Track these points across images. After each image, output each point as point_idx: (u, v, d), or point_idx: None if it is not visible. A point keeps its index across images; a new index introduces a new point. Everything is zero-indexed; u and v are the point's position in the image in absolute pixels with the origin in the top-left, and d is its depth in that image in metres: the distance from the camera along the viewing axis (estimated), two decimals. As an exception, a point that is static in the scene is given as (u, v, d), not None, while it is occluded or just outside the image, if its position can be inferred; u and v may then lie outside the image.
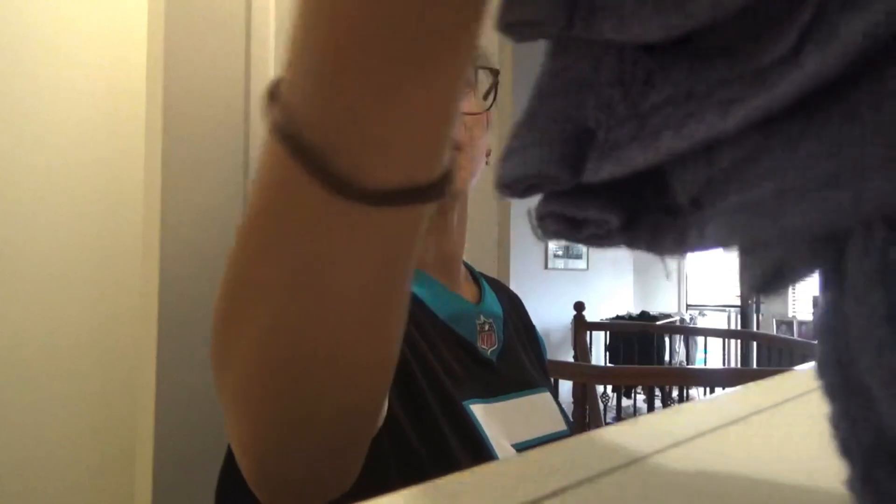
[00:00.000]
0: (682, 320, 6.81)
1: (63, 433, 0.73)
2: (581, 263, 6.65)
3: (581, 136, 0.15)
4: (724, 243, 0.15)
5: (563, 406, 0.70)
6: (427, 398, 0.52)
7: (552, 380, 0.92)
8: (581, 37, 0.16)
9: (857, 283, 0.13)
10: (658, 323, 5.85)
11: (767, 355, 4.26)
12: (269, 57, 0.82)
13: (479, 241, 0.71)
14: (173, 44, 0.73)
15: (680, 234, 0.16)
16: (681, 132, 0.13)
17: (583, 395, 2.51)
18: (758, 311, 7.06)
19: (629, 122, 0.14)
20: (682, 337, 5.85)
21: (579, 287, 6.35)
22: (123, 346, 0.77)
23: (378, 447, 0.47)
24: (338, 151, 0.24)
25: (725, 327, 7.09)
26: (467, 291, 0.69)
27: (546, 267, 6.28)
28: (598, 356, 5.74)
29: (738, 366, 4.94)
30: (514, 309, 0.75)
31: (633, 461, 0.28)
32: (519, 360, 0.67)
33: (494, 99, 0.66)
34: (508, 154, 0.18)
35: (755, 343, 4.84)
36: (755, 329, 6.71)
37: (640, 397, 5.13)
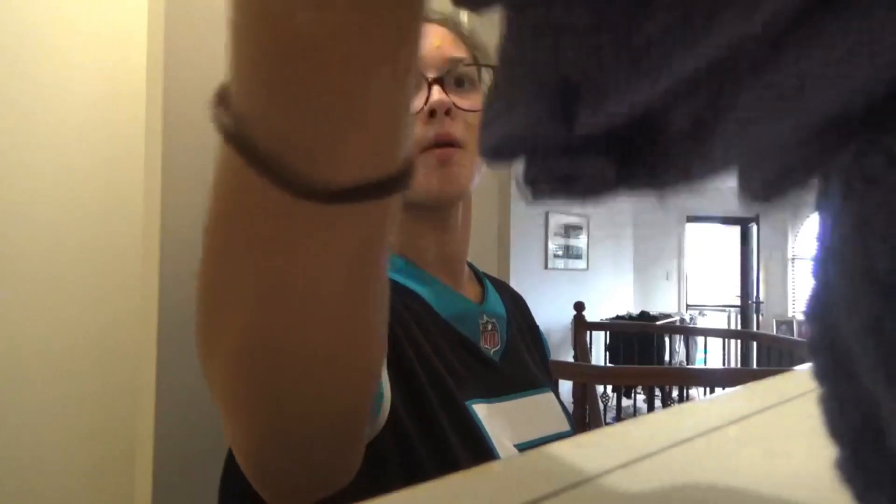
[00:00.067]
0: (682, 320, 6.81)
1: (63, 434, 0.73)
2: (581, 263, 6.66)
3: (566, 88, 0.15)
4: (731, 157, 0.15)
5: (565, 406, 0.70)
6: (429, 398, 0.52)
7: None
8: None
9: (839, 197, 0.13)
10: (658, 323, 5.85)
11: (767, 355, 4.26)
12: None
13: (480, 241, 0.71)
14: (173, 45, 0.73)
15: (682, 163, 0.15)
16: (690, 53, 0.13)
17: (583, 395, 2.51)
18: (758, 311, 7.06)
19: (621, 63, 0.14)
20: (682, 337, 5.85)
21: (579, 287, 6.35)
22: (124, 346, 0.77)
23: (380, 447, 0.47)
24: (290, 153, 0.24)
25: (725, 327, 7.10)
26: (470, 291, 0.68)
27: (546, 267, 6.28)
28: (598, 356, 5.74)
29: (738, 366, 4.95)
30: (518, 309, 0.75)
31: (634, 461, 0.28)
32: (522, 361, 0.67)
33: None
34: (491, 120, 0.17)
35: (755, 343, 4.84)
36: (755, 329, 6.71)
37: (640, 397, 5.13)
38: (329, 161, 0.24)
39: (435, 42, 0.61)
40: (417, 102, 0.59)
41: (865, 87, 0.12)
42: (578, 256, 6.64)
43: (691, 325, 6.71)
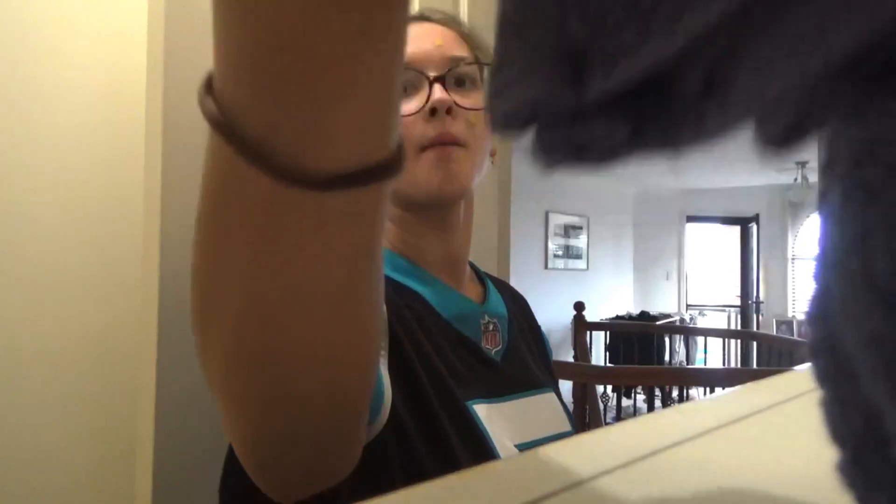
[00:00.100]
0: (682, 320, 6.81)
1: (63, 434, 0.73)
2: (581, 263, 6.66)
3: (575, 54, 0.15)
4: (748, 108, 0.15)
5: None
6: (430, 398, 0.52)
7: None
8: None
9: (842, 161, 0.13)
10: (658, 323, 5.85)
11: (767, 355, 4.26)
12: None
13: (480, 241, 0.71)
14: (173, 45, 0.73)
15: (697, 120, 0.15)
16: (702, 8, 0.13)
17: (583, 395, 2.51)
18: (758, 311, 7.06)
19: (629, 26, 0.14)
20: (682, 337, 5.86)
21: (579, 287, 6.36)
22: (124, 346, 0.77)
23: (381, 447, 0.47)
24: (278, 139, 0.24)
25: (725, 327, 7.10)
26: (472, 291, 0.68)
27: (546, 267, 6.29)
28: (598, 356, 5.74)
29: (738, 366, 4.95)
30: (520, 309, 0.74)
31: (633, 461, 0.28)
32: (523, 361, 0.67)
33: None
34: (499, 90, 0.17)
35: (755, 343, 4.84)
36: (755, 329, 6.71)
37: (640, 397, 5.14)
38: (317, 147, 0.24)
39: (436, 41, 0.61)
40: (418, 101, 0.59)
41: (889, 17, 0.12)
42: (578, 256, 6.64)
43: (691, 325, 6.71)
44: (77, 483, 0.74)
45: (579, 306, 4.08)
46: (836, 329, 0.14)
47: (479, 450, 0.53)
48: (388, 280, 0.58)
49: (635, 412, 4.79)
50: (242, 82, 0.23)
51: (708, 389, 2.72)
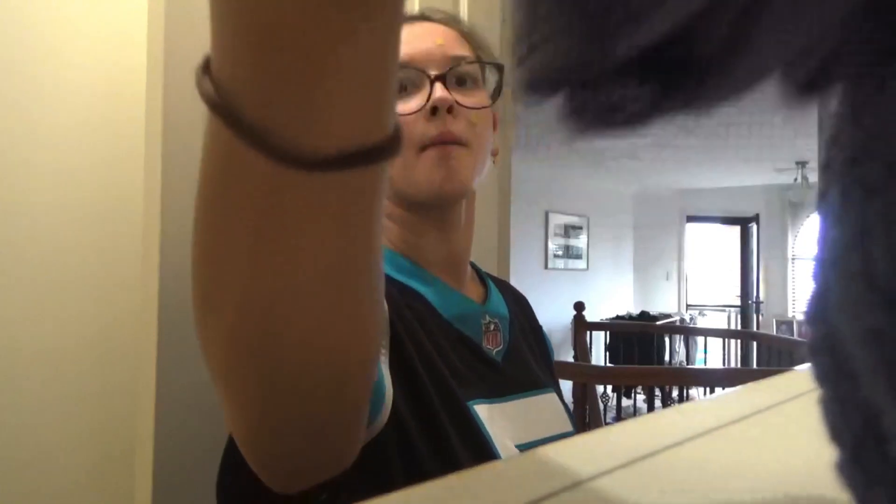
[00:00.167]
0: (682, 320, 6.82)
1: (62, 434, 0.73)
2: (581, 263, 6.67)
3: (601, 13, 0.15)
4: (774, 56, 0.15)
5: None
6: (431, 398, 0.52)
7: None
8: None
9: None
10: (658, 323, 5.86)
11: (767, 355, 4.26)
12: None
13: (480, 241, 0.71)
14: (174, 45, 0.73)
15: (722, 75, 0.15)
16: None
17: (583, 395, 2.51)
18: (758, 311, 7.07)
19: None
20: (682, 337, 5.86)
21: (579, 287, 6.36)
22: (123, 346, 0.77)
23: (382, 446, 0.47)
24: (274, 120, 0.24)
25: (725, 327, 7.10)
26: (473, 291, 0.68)
27: (546, 267, 6.30)
28: (598, 356, 5.75)
29: (738, 366, 4.95)
30: (521, 310, 0.74)
31: (634, 461, 0.28)
32: (525, 361, 0.67)
33: (500, 92, 0.65)
34: (526, 55, 0.17)
35: (755, 343, 4.84)
36: (755, 329, 6.72)
37: (640, 397, 5.14)
38: (314, 128, 0.24)
39: (437, 40, 0.61)
40: (419, 100, 0.58)
41: None
42: (578, 256, 6.65)
43: (691, 325, 6.71)
44: (77, 483, 0.74)
45: (579, 306, 4.08)
46: (836, 328, 0.14)
47: (480, 450, 0.53)
48: (390, 280, 0.58)
49: (635, 412, 4.79)
50: (238, 62, 0.23)
51: (708, 389, 2.72)
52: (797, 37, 0.14)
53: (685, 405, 0.46)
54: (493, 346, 0.63)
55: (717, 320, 7.39)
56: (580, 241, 6.70)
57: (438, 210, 0.62)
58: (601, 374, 2.71)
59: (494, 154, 0.68)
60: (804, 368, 0.57)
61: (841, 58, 0.14)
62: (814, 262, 0.15)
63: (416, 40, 0.60)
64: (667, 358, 5.56)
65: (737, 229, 7.34)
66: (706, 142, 5.00)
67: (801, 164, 5.55)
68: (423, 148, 0.58)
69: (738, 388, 0.47)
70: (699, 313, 7.44)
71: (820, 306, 0.15)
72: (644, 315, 6.52)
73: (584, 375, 2.49)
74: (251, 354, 0.31)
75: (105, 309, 0.77)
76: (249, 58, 0.23)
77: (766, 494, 0.25)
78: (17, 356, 0.71)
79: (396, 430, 0.48)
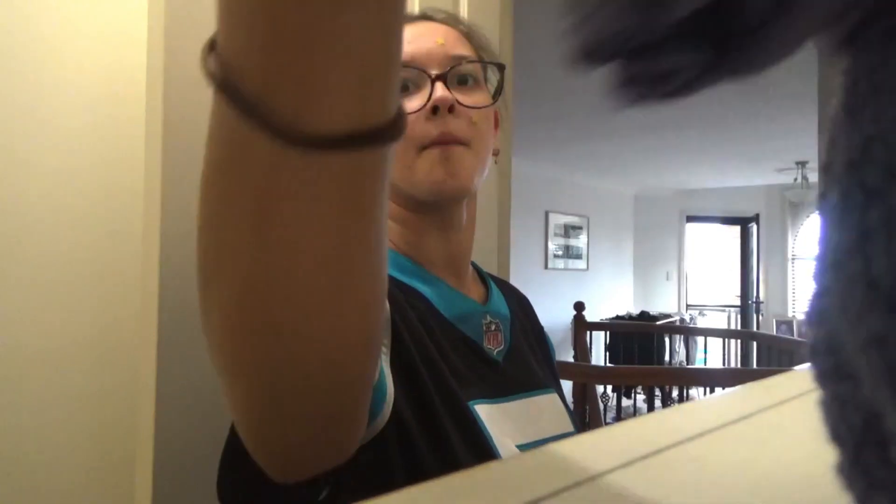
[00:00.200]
0: (682, 320, 6.82)
1: (63, 434, 0.73)
2: (581, 263, 6.67)
3: None
4: (820, 17, 0.15)
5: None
6: (432, 397, 0.52)
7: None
8: None
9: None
10: (658, 323, 5.86)
11: (767, 355, 4.26)
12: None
13: (480, 241, 0.71)
14: (174, 45, 0.73)
15: (769, 38, 0.15)
16: None
17: (583, 395, 2.51)
18: (757, 311, 7.07)
19: None
20: (682, 337, 5.86)
21: (579, 287, 6.36)
22: (124, 346, 0.77)
23: (383, 445, 0.47)
24: (276, 98, 0.24)
25: (725, 327, 7.10)
26: (474, 292, 0.68)
27: (546, 267, 6.30)
28: (598, 356, 5.75)
29: (738, 366, 4.95)
30: (523, 310, 0.74)
31: (633, 461, 0.28)
32: (525, 362, 0.66)
33: (500, 92, 0.65)
34: (583, 21, 0.17)
35: (755, 343, 4.84)
36: (755, 329, 6.71)
37: (640, 397, 5.14)
38: (315, 107, 0.24)
39: (438, 39, 0.61)
40: (420, 100, 0.58)
41: None
42: (578, 256, 6.65)
43: (691, 325, 6.71)
44: (77, 482, 0.74)
45: (579, 306, 4.08)
46: (836, 330, 0.14)
47: (481, 450, 0.53)
48: (392, 279, 0.58)
49: (635, 412, 4.79)
50: (240, 33, 0.24)
51: (708, 389, 2.72)
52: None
53: (685, 405, 0.46)
54: (494, 347, 0.63)
55: (717, 320, 7.39)
56: (580, 241, 6.70)
57: (440, 210, 0.62)
58: (601, 374, 2.71)
59: (496, 154, 0.67)
60: (804, 368, 0.57)
61: (880, 11, 0.15)
62: (815, 263, 0.15)
63: (417, 40, 0.60)
64: (667, 358, 5.56)
65: (737, 229, 7.34)
66: (706, 142, 5.00)
67: (801, 165, 5.55)
68: (424, 147, 0.58)
69: (738, 388, 0.47)
70: (699, 313, 7.44)
71: (821, 308, 0.15)
72: (644, 315, 6.52)
73: (584, 375, 2.50)
74: (252, 337, 0.31)
75: (105, 308, 0.77)
76: (250, 28, 0.23)
77: (765, 495, 0.25)
78: (17, 355, 0.71)
79: (397, 428, 0.48)
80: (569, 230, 6.56)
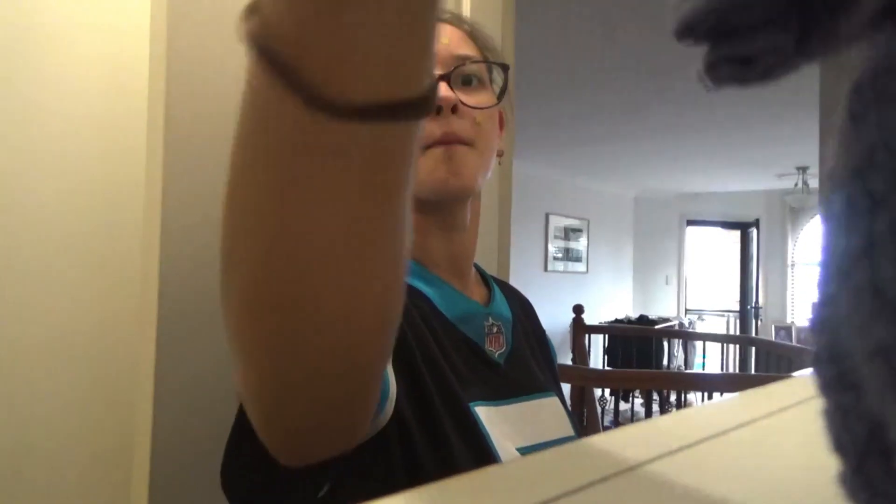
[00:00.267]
0: (681, 324, 6.82)
1: (60, 429, 0.73)
2: (581, 266, 6.67)
3: None
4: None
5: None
6: (434, 399, 0.52)
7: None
8: None
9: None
10: (657, 327, 5.86)
11: (766, 361, 4.26)
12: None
13: (479, 243, 0.71)
14: (176, 39, 0.73)
15: (852, 18, 0.15)
16: None
17: (580, 399, 2.51)
18: (756, 317, 7.07)
19: None
20: (681, 341, 5.86)
21: (578, 290, 6.36)
22: (123, 338, 0.77)
23: (385, 444, 0.47)
24: (311, 63, 0.24)
25: (724, 332, 7.10)
26: (476, 293, 0.68)
27: (545, 269, 6.30)
28: (597, 359, 5.75)
29: (737, 371, 4.95)
30: (525, 313, 0.74)
31: (632, 467, 0.28)
32: (527, 364, 0.66)
33: (504, 91, 0.65)
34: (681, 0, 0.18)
35: (754, 348, 4.84)
36: (754, 334, 6.72)
37: (638, 401, 5.13)
38: (348, 74, 0.24)
39: (442, 39, 0.61)
40: None
41: None
42: (578, 259, 6.65)
43: (690, 330, 6.71)
44: (74, 474, 0.74)
45: (578, 309, 4.09)
46: (841, 338, 0.14)
47: (480, 452, 0.52)
48: None
49: (633, 416, 4.79)
50: (281, 2, 0.24)
51: (706, 394, 2.72)
52: None
53: (684, 412, 0.46)
54: (496, 349, 0.63)
55: (716, 325, 7.39)
56: (580, 244, 6.70)
57: (442, 210, 0.62)
58: (599, 378, 2.71)
59: (500, 155, 0.67)
60: (803, 374, 0.56)
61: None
62: (818, 271, 0.15)
63: None
64: (665, 362, 5.56)
65: (736, 234, 7.34)
66: (707, 146, 5.00)
67: (802, 170, 5.55)
68: (427, 147, 0.58)
69: (738, 394, 0.47)
70: (698, 317, 7.44)
71: (825, 316, 0.15)
72: (643, 319, 6.52)
73: (582, 379, 2.50)
74: (269, 315, 0.31)
75: (104, 300, 0.77)
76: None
77: (764, 501, 0.25)
78: (14, 350, 0.70)
79: (399, 427, 0.48)
80: (569, 233, 6.56)
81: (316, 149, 0.26)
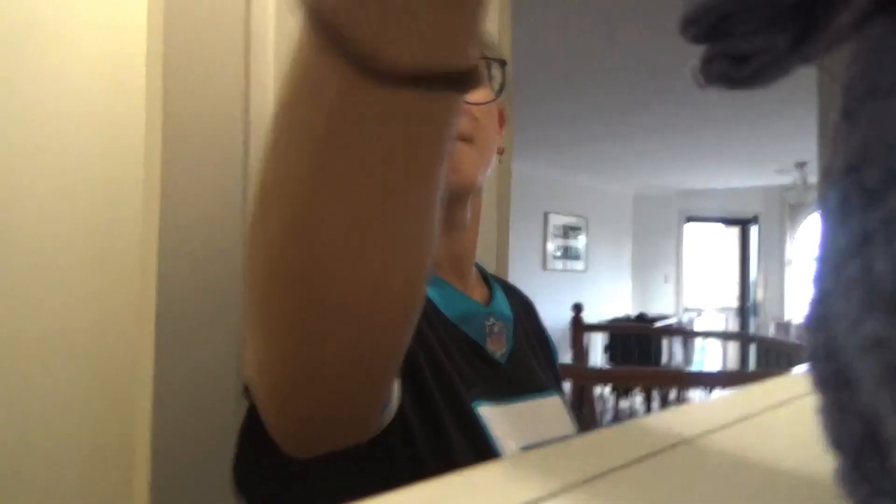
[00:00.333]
0: (680, 322, 6.82)
1: (59, 423, 0.73)
2: (580, 265, 6.67)
3: None
4: None
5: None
6: (436, 398, 0.52)
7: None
8: None
9: None
10: (656, 325, 5.86)
11: (765, 357, 4.26)
12: (269, 51, 0.82)
13: (478, 241, 0.71)
14: (173, 35, 0.73)
15: (856, 14, 0.15)
16: None
17: (580, 397, 2.52)
18: (755, 313, 7.07)
19: None
20: (680, 338, 5.86)
21: (578, 288, 6.36)
22: (121, 335, 0.77)
23: (387, 445, 0.47)
24: (362, 29, 0.25)
25: (723, 329, 7.10)
26: (477, 293, 0.68)
27: (545, 268, 6.30)
28: (596, 357, 5.75)
29: (736, 367, 4.95)
30: (526, 313, 0.74)
31: (631, 462, 0.28)
32: (528, 364, 0.66)
33: (503, 87, 0.65)
34: None
35: (753, 345, 4.84)
36: (752, 331, 6.72)
37: (638, 399, 5.14)
38: (396, 41, 0.25)
39: None
40: None
41: None
42: (577, 258, 6.65)
43: (689, 328, 6.71)
44: (73, 475, 0.74)
45: (578, 308, 4.09)
46: (836, 334, 0.14)
47: (483, 451, 0.52)
48: None
49: (633, 414, 4.79)
50: None
51: (706, 391, 2.73)
52: None
53: (683, 407, 0.46)
54: (497, 348, 0.63)
55: (714, 322, 7.39)
56: (579, 243, 6.70)
57: (443, 208, 0.62)
58: (599, 376, 2.72)
59: (500, 153, 0.67)
60: (802, 371, 0.57)
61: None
62: (814, 266, 0.15)
63: None
64: (664, 360, 5.57)
65: (735, 231, 7.34)
66: (706, 143, 5.00)
67: (801, 166, 5.56)
68: None
69: (736, 390, 0.47)
70: (697, 315, 7.44)
71: (820, 311, 0.15)
72: (642, 317, 6.52)
73: (582, 377, 2.50)
74: (293, 279, 0.31)
75: (103, 297, 0.77)
76: None
77: (764, 498, 0.25)
78: (13, 348, 0.71)
79: (402, 426, 0.48)
80: (568, 231, 6.56)
81: (358, 116, 0.27)
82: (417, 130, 0.28)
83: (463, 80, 0.27)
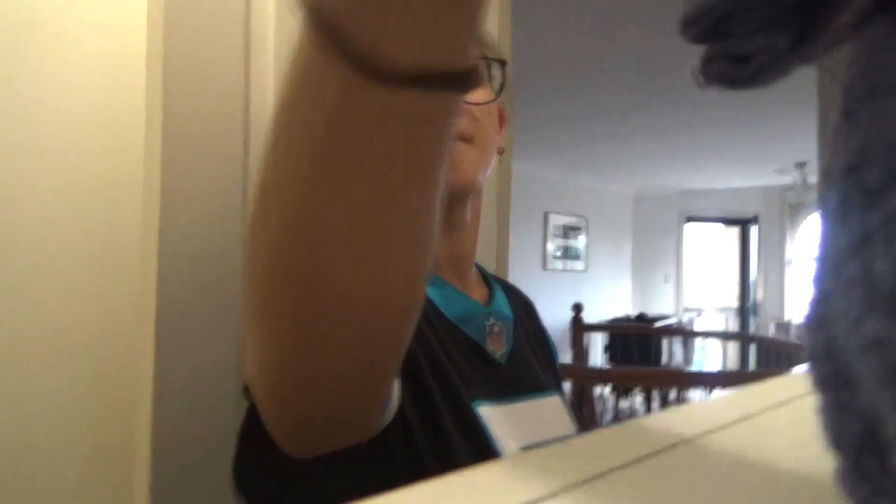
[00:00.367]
0: (680, 322, 6.82)
1: (59, 423, 0.73)
2: (580, 265, 6.67)
3: None
4: None
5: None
6: (436, 398, 0.52)
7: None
8: None
9: None
10: (656, 325, 5.86)
11: (765, 357, 4.26)
12: (269, 51, 0.82)
13: (478, 241, 0.71)
14: (173, 35, 0.73)
15: (856, 14, 0.16)
16: None
17: (580, 397, 2.52)
18: (755, 313, 7.07)
19: None
20: (680, 338, 5.86)
21: (578, 288, 6.36)
22: (121, 335, 0.77)
23: (387, 445, 0.47)
24: (362, 29, 0.25)
25: (723, 329, 7.10)
26: (477, 293, 0.68)
27: (545, 268, 6.30)
28: (596, 357, 5.75)
29: (736, 367, 4.95)
30: (526, 313, 0.74)
31: (631, 462, 0.28)
32: (529, 364, 0.66)
33: (503, 87, 0.65)
34: None
35: (753, 345, 4.84)
36: (752, 331, 6.72)
37: (638, 399, 5.14)
38: (397, 41, 0.25)
39: None
40: None
41: None
42: (577, 258, 6.65)
43: (689, 328, 6.71)
44: (73, 475, 0.74)
45: (578, 308, 4.09)
46: (836, 334, 0.14)
47: (483, 451, 0.52)
48: None
49: (633, 414, 4.79)
50: None
51: (706, 391, 2.73)
52: None
53: (683, 407, 0.46)
54: (497, 348, 0.63)
55: (714, 322, 7.39)
56: (579, 243, 6.70)
57: (443, 208, 0.62)
58: (599, 376, 2.72)
59: (500, 153, 0.67)
60: (802, 370, 0.57)
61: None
62: (814, 266, 0.15)
63: None
64: (664, 360, 5.57)
65: (735, 230, 7.34)
66: (706, 143, 5.00)
67: (801, 166, 5.56)
68: None
69: (736, 390, 0.47)
70: (697, 315, 7.44)
71: (820, 311, 0.15)
72: (642, 317, 6.52)
73: (582, 377, 2.50)
74: (293, 279, 0.31)
75: (103, 297, 0.77)
76: None
77: (764, 498, 0.25)
78: (13, 348, 0.70)
79: (402, 426, 0.48)
80: (568, 231, 6.56)
81: (358, 116, 0.27)
82: (417, 130, 0.28)
83: (463, 80, 0.27)
